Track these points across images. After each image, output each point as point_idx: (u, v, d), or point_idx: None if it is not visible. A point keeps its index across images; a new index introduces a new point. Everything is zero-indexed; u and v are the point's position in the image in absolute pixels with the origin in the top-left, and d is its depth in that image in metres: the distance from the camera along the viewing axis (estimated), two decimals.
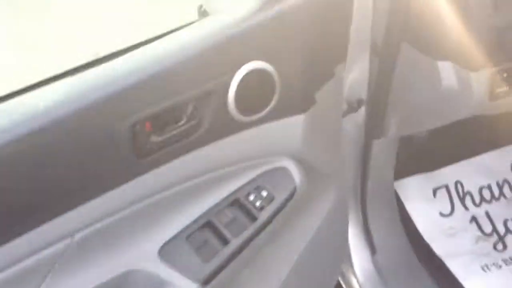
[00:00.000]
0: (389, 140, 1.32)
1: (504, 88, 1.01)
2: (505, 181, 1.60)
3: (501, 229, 1.49)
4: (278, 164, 0.89)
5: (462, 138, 1.56)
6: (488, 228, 1.50)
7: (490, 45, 0.95)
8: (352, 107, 1.23)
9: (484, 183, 1.60)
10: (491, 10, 0.94)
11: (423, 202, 1.57)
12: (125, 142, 0.68)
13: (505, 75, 1.01)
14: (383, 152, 1.35)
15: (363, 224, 1.42)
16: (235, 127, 0.81)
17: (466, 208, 1.55)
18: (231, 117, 0.80)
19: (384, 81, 1.15)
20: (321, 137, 1.00)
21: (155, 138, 0.71)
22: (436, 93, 1.05)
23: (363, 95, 1.23)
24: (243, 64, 0.79)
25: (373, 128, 1.25)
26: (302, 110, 0.90)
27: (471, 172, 1.63)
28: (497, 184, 1.60)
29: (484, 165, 1.64)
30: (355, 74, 1.20)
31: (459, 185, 1.60)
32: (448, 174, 1.63)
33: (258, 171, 0.87)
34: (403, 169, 1.63)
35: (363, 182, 1.37)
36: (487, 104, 1.03)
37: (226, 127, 0.80)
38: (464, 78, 1.00)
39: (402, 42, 1.09)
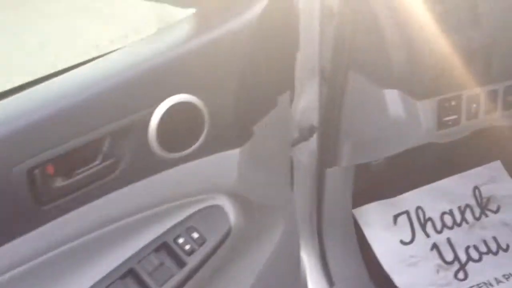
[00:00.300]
0: (344, 168, 1.26)
1: (452, 117, 0.97)
2: (467, 206, 1.56)
3: (463, 257, 1.44)
4: (211, 202, 0.83)
5: (422, 164, 1.52)
6: (449, 256, 1.45)
7: (435, 74, 0.91)
8: (304, 135, 1.18)
9: (446, 208, 1.56)
10: (435, 38, 0.90)
11: (383, 229, 1.51)
12: (23, 188, 0.60)
13: (453, 103, 0.96)
14: (338, 180, 1.30)
15: (320, 255, 1.36)
16: (159, 165, 0.75)
17: (427, 235, 1.50)
18: (154, 155, 0.73)
19: (334, 108, 1.11)
20: (263, 170, 0.94)
21: (60, 183, 0.64)
22: (384, 122, 1.01)
23: (315, 122, 1.18)
24: (167, 96, 0.72)
25: (326, 157, 1.20)
26: (238, 144, 0.84)
27: (432, 198, 1.58)
28: (459, 209, 1.56)
29: (446, 190, 1.60)
30: (306, 101, 1.16)
31: (420, 211, 1.55)
32: (409, 199, 1.58)
33: (189, 211, 0.80)
34: (363, 196, 1.58)
35: (319, 211, 1.31)
36: (435, 133, 0.98)
37: (148, 165, 0.74)
38: (411, 107, 0.96)
39: (350, 69, 1.05)
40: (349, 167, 1.31)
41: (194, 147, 0.77)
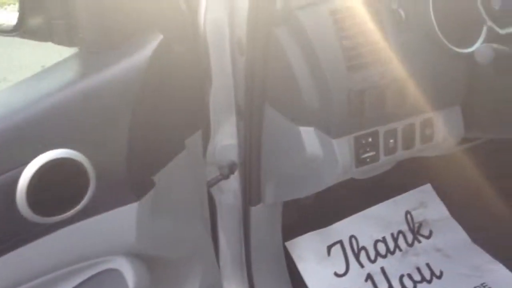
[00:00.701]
0: (270, 205, 1.20)
1: (370, 153, 0.92)
2: (400, 232, 1.53)
3: (397, 287, 1.41)
4: (106, 266, 0.74)
5: (354, 191, 1.48)
6: (384, 287, 1.41)
7: (349, 111, 0.86)
8: (224, 174, 1.11)
9: (379, 236, 1.52)
10: (346, 73, 0.86)
11: (317, 262, 1.46)
12: None
13: (370, 139, 0.92)
14: (266, 216, 1.24)
15: None
16: (34, 231, 0.65)
17: (361, 265, 1.46)
18: (25, 220, 0.64)
19: (253, 145, 1.04)
20: (170, 220, 0.87)
21: None
22: (302, 160, 0.95)
23: (236, 159, 1.12)
24: (40, 152, 0.64)
25: (249, 195, 1.13)
26: (135, 198, 0.75)
27: (365, 225, 1.55)
28: (392, 236, 1.53)
29: (378, 217, 1.57)
30: (225, 138, 1.09)
31: (353, 240, 1.51)
32: (342, 229, 1.54)
33: (79, 279, 0.71)
34: (295, 228, 1.52)
35: (247, 250, 1.24)
36: (354, 170, 0.94)
37: (21, 232, 0.64)
38: (327, 145, 0.91)
39: (266, 105, 0.99)
40: (276, 203, 1.25)
41: (77, 208, 0.68)
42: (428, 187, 1.62)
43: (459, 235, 1.53)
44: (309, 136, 0.92)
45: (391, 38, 0.88)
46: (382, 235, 1.52)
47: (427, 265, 1.45)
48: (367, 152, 0.92)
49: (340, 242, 1.50)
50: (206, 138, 1.07)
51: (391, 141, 0.94)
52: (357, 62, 0.86)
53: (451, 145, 1.03)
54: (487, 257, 1.45)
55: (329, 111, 0.87)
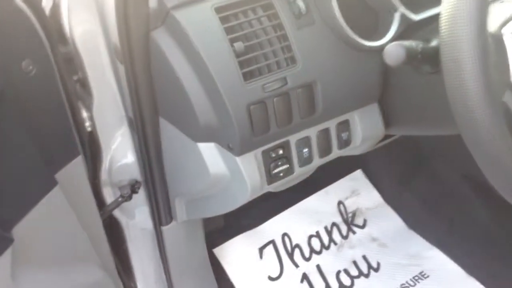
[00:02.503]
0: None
1: (283, 167, 0.81)
2: (334, 224, 1.46)
3: (334, 285, 1.33)
4: None
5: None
6: (320, 286, 1.33)
7: (250, 125, 0.75)
8: (125, 195, 0.98)
9: (313, 231, 1.44)
10: (241, 82, 0.73)
11: (248, 266, 1.36)
12: None
13: (280, 152, 0.81)
14: (182, 231, 1.12)
15: None
16: None
17: (296, 265, 1.37)
18: None
19: (153, 161, 0.91)
20: (47, 275, 0.73)
21: None
22: (206, 179, 0.83)
23: (138, 177, 0.99)
24: None
25: (159, 214, 1.01)
26: None
27: (297, 221, 1.46)
28: (326, 229, 1.45)
29: (311, 210, 1.48)
30: (121, 155, 0.95)
31: (286, 238, 1.42)
32: (274, 227, 1.44)
33: None
34: (224, 232, 1.42)
35: (166, 270, 1.13)
36: (267, 187, 0.82)
37: None
38: (231, 163, 0.79)
39: (161, 118, 0.86)
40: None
41: None
42: (359, 173, 1.54)
43: (394, 222, 1.47)
44: (210, 153, 0.80)
45: (290, 35, 0.76)
46: (316, 230, 1.44)
47: (364, 257, 1.39)
48: (279, 166, 0.81)
49: (273, 242, 1.41)
50: (95, 161, 0.93)
51: (305, 150, 0.83)
52: (252, 68, 0.74)
53: (373, 144, 0.93)
54: (424, 243, 1.40)
55: (227, 127, 0.74)
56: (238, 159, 0.77)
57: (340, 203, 1.49)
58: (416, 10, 0.83)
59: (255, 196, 0.84)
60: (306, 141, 0.83)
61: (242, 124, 0.73)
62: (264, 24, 0.76)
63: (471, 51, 0.55)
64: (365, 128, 0.88)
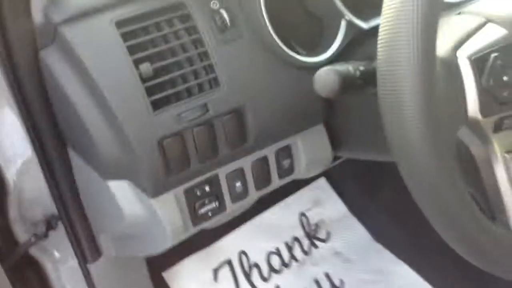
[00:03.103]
0: None
1: (211, 206, 0.69)
2: (295, 239, 1.34)
3: None
4: None
5: None
6: None
7: (165, 162, 0.62)
8: (40, 233, 0.86)
9: (272, 247, 1.33)
10: (150, 111, 0.60)
11: None
12: None
13: (207, 188, 0.68)
14: (115, 264, 1.00)
15: None
16: None
17: (253, 287, 1.26)
18: None
19: (67, 194, 0.79)
20: None
21: None
22: (124, 220, 0.71)
23: (54, 212, 0.86)
24: None
25: (82, 251, 0.88)
26: None
27: (256, 237, 1.34)
28: (286, 245, 1.34)
29: (270, 224, 1.37)
30: (31, 189, 0.83)
31: (243, 257, 1.30)
32: (230, 245, 1.33)
33: None
34: (175, 253, 1.30)
35: None
36: (193, 229, 0.70)
37: None
38: (147, 204, 0.67)
39: (70, 148, 0.73)
40: None
41: None
42: (322, 182, 1.43)
43: (359, 234, 1.36)
44: (123, 193, 0.67)
45: (212, 52, 0.63)
46: (276, 246, 1.33)
47: (327, 275, 1.28)
48: (206, 204, 0.69)
49: (228, 262, 1.29)
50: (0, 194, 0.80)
51: (238, 184, 0.71)
52: (165, 95, 0.61)
53: (322, 168, 0.81)
54: (391, 257, 1.29)
55: (136, 165, 0.62)
56: (153, 201, 0.65)
57: (302, 214, 1.38)
58: (366, 17, 0.71)
59: (181, 240, 0.72)
60: (238, 174, 0.70)
61: (153, 162, 0.61)
62: (183, 39, 0.63)
63: (412, 81, 0.43)
64: (310, 153, 0.76)
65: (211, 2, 0.63)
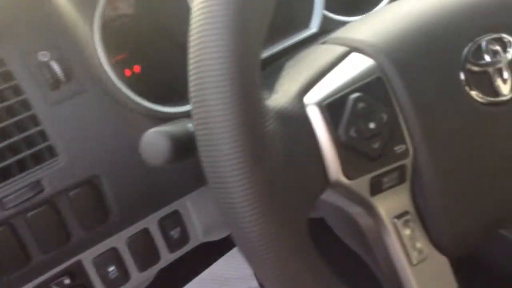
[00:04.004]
0: None
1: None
2: None
3: None
4: None
5: None
6: None
7: None
8: None
9: None
10: None
11: None
12: None
13: (67, 281, 0.55)
14: None
15: None
16: None
17: None
18: None
19: None
20: None
21: None
22: None
23: None
24: None
25: None
26: None
27: None
28: None
29: (219, 278, 1.23)
30: None
31: None
32: None
33: None
34: None
35: None
36: None
37: None
38: None
39: None
40: None
41: None
42: None
43: None
44: None
45: (43, 115, 0.50)
46: None
47: None
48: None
49: None
50: None
51: (112, 268, 0.57)
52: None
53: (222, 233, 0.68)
54: None
55: None
56: None
57: None
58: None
59: None
60: (111, 256, 0.57)
61: None
62: (8, 101, 0.50)
63: (229, 151, 0.31)
64: (206, 216, 0.62)
65: (39, 54, 0.50)
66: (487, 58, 0.43)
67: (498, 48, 0.44)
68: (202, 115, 0.32)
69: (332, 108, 0.37)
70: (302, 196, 0.35)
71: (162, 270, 0.90)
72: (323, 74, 0.39)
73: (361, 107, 0.37)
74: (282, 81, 0.39)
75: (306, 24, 0.66)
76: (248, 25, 0.32)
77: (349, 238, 0.49)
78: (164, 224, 0.60)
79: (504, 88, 0.43)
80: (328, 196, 0.40)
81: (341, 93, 0.38)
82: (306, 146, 0.36)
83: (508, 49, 0.44)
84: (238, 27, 0.31)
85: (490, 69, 0.43)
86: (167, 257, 0.62)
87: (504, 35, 0.44)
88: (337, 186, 0.38)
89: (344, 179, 0.37)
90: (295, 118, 0.36)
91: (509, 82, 0.43)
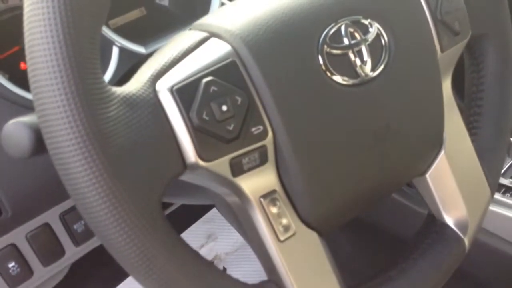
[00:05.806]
0: None
1: None
2: None
3: None
4: None
5: None
6: None
7: None
8: None
9: None
10: None
11: None
12: None
13: None
14: None
15: None
16: None
17: None
18: None
19: None
20: None
21: None
22: None
23: None
24: None
25: None
26: None
27: None
28: None
29: None
30: None
31: None
32: None
33: None
34: None
35: None
36: None
37: None
38: None
39: None
40: None
41: None
42: (214, 213, 1.30)
43: (257, 265, 1.24)
44: None
45: None
46: None
47: None
48: None
49: None
50: None
51: (12, 265, 0.57)
52: None
53: None
54: None
55: None
56: None
57: None
58: (146, 41, 0.61)
59: None
60: (10, 252, 0.57)
61: None
62: None
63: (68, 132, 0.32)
64: None
65: None
66: (346, 41, 0.45)
67: (358, 31, 0.46)
68: (39, 102, 0.33)
69: (184, 92, 0.38)
70: (154, 176, 0.37)
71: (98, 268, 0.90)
72: (179, 60, 0.40)
73: (213, 91, 0.39)
74: (141, 68, 0.40)
75: (206, 12, 0.67)
76: (81, 9, 0.33)
77: (228, 219, 0.50)
78: (66, 218, 0.61)
79: (364, 69, 0.46)
80: (193, 178, 0.41)
81: (194, 77, 0.39)
82: (158, 130, 0.37)
83: (368, 32, 0.46)
84: (67, 13, 0.32)
85: (350, 52, 0.45)
86: (73, 251, 0.62)
87: (361, 19, 0.46)
88: (196, 168, 0.39)
89: (201, 162, 0.39)
90: (144, 103, 0.37)
91: (369, 62, 0.46)
